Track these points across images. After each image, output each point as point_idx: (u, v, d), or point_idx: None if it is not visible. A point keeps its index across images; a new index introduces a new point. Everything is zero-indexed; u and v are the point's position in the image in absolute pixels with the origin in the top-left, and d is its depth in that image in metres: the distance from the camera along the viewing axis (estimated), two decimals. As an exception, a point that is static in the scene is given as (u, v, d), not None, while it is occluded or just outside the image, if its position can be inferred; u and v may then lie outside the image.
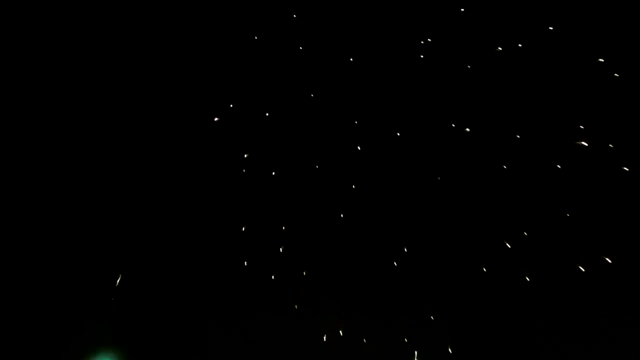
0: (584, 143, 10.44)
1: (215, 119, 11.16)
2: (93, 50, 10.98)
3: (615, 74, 10.28)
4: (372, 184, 11.15)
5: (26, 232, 10.63)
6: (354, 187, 11.14)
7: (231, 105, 11.17)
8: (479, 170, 10.84)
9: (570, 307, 10.51)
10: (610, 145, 10.30)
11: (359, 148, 11.14)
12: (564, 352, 10.38)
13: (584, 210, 10.40)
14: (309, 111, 11.24)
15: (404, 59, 11.11)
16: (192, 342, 10.76)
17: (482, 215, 10.78)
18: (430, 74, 11.05)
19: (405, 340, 10.78)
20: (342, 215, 11.12)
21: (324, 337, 10.84)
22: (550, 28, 10.58)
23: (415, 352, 10.71)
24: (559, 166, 10.56)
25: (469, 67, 10.87)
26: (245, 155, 11.19)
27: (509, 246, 10.65)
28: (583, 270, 10.32)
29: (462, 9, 10.82)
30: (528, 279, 10.56)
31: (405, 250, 10.99)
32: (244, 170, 11.18)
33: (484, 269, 10.70)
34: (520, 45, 10.68)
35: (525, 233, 10.61)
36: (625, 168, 10.23)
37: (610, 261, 10.20)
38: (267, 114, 11.23)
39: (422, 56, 11.01)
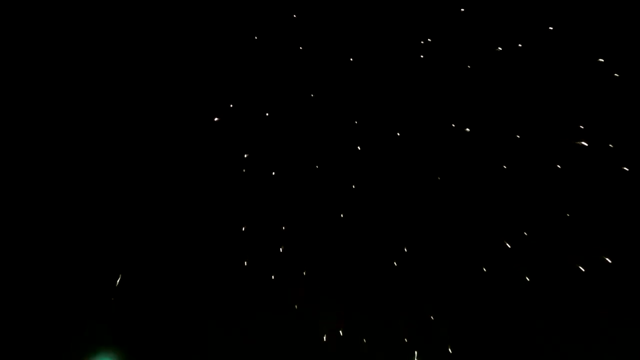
0: (584, 143, 10.44)
1: (215, 119, 11.15)
2: (93, 51, 10.97)
3: (615, 74, 10.28)
4: (372, 184, 11.14)
5: (26, 232, 10.60)
6: (354, 187, 11.13)
7: (231, 106, 11.17)
8: (479, 170, 10.84)
9: (570, 307, 10.50)
10: (610, 145, 10.31)
11: (359, 148, 11.14)
12: (564, 352, 10.36)
13: (584, 211, 10.40)
14: (309, 111, 11.24)
15: (404, 59, 11.11)
16: (192, 342, 10.76)
17: (482, 215, 10.77)
18: (430, 74, 11.05)
19: (405, 340, 10.77)
20: (342, 215, 11.11)
21: (324, 337, 10.83)
22: (550, 28, 10.59)
23: (415, 352, 10.70)
24: (558, 166, 10.56)
25: (468, 67, 10.87)
26: (245, 155, 11.18)
27: (509, 246, 10.65)
28: (583, 270, 10.31)
29: (462, 9, 10.82)
30: (528, 279, 10.55)
31: (405, 250, 10.99)
32: (244, 170, 11.18)
33: (484, 269, 10.70)
34: (520, 45, 10.68)
35: (525, 233, 10.61)
36: (625, 168, 10.23)
37: (610, 261, 10.20)
38: (267, 114, 11.23)
39: (422, 56, 11.01)
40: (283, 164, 11.20)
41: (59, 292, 10.60)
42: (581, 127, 10.45)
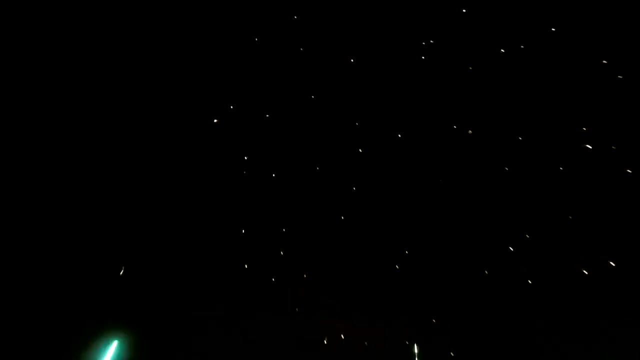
0: (587, 145, 10.43)
1: (215, 120, 11.09)
2: (93, 51, 10.89)
3: (619, 76, 10.26)
4: (373, 186, 11.10)
5: (26, 232, 10.54)
6: (354, 189, 11.09)
7: (231, 107, 11.10)
8: (481, 172, 10.81)
9: (571, 308, 10.51)
10: (613, 147, 10.29)
11: (360, 150, 11.09)
12: (564, 352, 10.37)
13: (587, 213, 10.39)
14: (309, 113, 11.18)
15: (405, 60, 11.06)
16: (193, 345, 10.71)
17: (484, 217, 10.75)
18: (431, 75, 11.00)
19: (407, 343, 10.76)
20: (342, 218, 11.07)
21: (325, 340, 10.80)
22: (553, 29, 10.55)
23: (417, 355, 10.69)
24: (561, 168, 10.54)
25: (470, 68, 10.83)
26: (246, 158, 11.12)
27: (511, 249, 10.64)
28: (586, 273, 10.32)
29: (464, 10, 10.77)
30: (530, 282, 10.55)
31: (407, 252, 10.96)
32: (244, 172, 11.12)
33: (486, 272, 10.68)
34: (522, 46, 10.64)
35: (527, 236, 10.60)
36: (628, 170, 10.22)
37: (613, 264, 10.21)
38: (267, 116, 11.17)
39: (423, 57, 10.96)
40: (283, 166, 11.14)
41: (59, 292, 10.52)
42: (584, 129, 10.43)
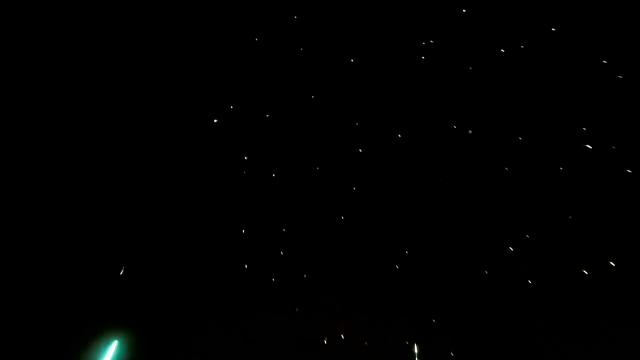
0: (587, 145, 10.42)
1: (215, 120, 11.08)
2: (92, 51, 10.89)
3: (619, 76, 10.26)
4: (373, 186, 11.10)
5: (26, 232, 10.54)
6: (354, 189, 11.08)
7: (231, 107, 11.10)
8: (481, 172, 10.81)
9: (570, 307, 10.51)
10: (613, 147, 10.29)
11: (360, 150, 11.09)
12: (564, 352, 10.37)
13: (587, 213, 10.39)
14: (309, 113, 11.18)
15: (405, 61, 11.05)
16: (192, 346, 10.71)
17: (483, 217, 10.75)
18: (431, 75, 11.00)
19: (407, 343, 10.76)
20: (342, 218, 11.06)
21: (325, 340, 10.79)
22: (553, 29, 10.55)
23: (417, 356, 10.69)
24: (561, 168, 10.54)
25: (470, 68, 10.83)
26: (246, 158, 11.12)
27: (511, 249, 10.64)
28: (586, 273, 10.32)
29: (464, 10, 10.76)
30: (530, 282, 10.54)
31: (407, 252, 10.95)
32: (244, 172, 11.12)
33: (486, 272, 10.68)
34: (522, 46, 10.64)
35: (527, 236, 10.59)
36: (628, 170, 10.22)
37: (613, 264, 10.21)
38: (267, 116, 11.17)
39: (423, 57, 10.96)
40: (283, 166, 11.14)
41: (59, 292, 10.52)
42: (584, 129, 10.42)
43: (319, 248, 11.06)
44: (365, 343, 10.80)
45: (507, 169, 10.73)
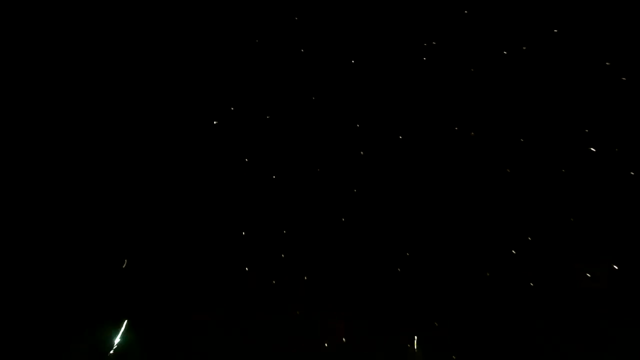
0: (591, 148, 10.42)
1: (215, 122, 11.03)
2: (92, 51, 10.85)
3: (623, 78, 10.24)
4: (374, 188, 11.06)
5: (26, 232, 10.50)
6: (355, 191, 11.05)
7: (232, 109, 11.05)
8: (483, 174, 10.78)
9: (573, 310, 10.53)
10: (616, 149, 10.28)
11: (361, 153, 11.05)
12: (564, 352, 10.38)
13: (590, 216, 10.39)
14: (310, 114, 11.13)
15: (406, 62, 11.01)
16: (193, 348, 10.69)
17: (486, 220, 10.73)
18: (432, 76, 10.96)
19: (409, 346, 10.75)
20: (343, 220, 11.02)
21: (326, 343, 10.78)
22: (555, 30, 10.51)
23: (419, 359, 10.68)
24: (563, 170, 10.53)
25: (472, 70, 10.79)
26: (246, 159, 11.08)
27: (514, 252, 10.63)
28: (589, 275, 10.33)
29: (466, 11, 10.71)
30: (532, 284, 10.55)
31: (408, 254, 10.92)
32: (244, 174, 11.07)
33: (488, 274, 10.68)
34: (524, 47, 10.60)
35: (529, 238, 10.59)
36: (631, 172, 10.21)
37: (616, 267, 10.22)
38: (267, 117, 11.12)
39: (424, 58, 10.91)
40: (284, 168, 11.09)
41: (58, 292, 10.50)
42: (586, 130, 10.41)
43: (320, 250, 11.03)
44: (367, 346, 10.79)
45: (509, 170, 10.71)
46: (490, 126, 10.81)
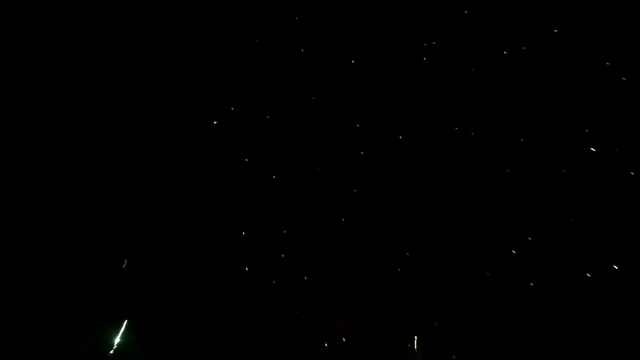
0: (591, 148, 10.41)
1: (215, 122, 11.03)
2: (93, 51, 10.84)
3: (623, 78, 10.23)
4: (374, 189, 11.06)
5: (26, 232, 10.50)
6: (355, 191, 11.04)
7: (232, 108, 11.04)
8: (483, 174, 10.78)
9: (571, 307, 10.52)
10: (617, 149, 10.27)
11: (361, 153, 11.04)
12: (564, 352, 10.38)
13: (590, 216, 10.38)
14: (310, 114, 11.13)
15: (406, 62, 11.01)
16: (193, 349, 10.69)
17: (486, 220, 10.73)
18: (433, 77, 10.95)
19: (409, 346, 10.75)
20: (343, 220, 11.02)
21: (326, 344, 10.78)
22: (555, 31, 10.50)
23: (419, 359, 10.69)
24: (563, 170, 10.52)
25: (472, 70, 10.79)
26: (246, 159, 11.07)
27: (514, 252, 10.63)
28: (589, 276, 10.32)
29: (466, 11, 10.71)
30: (532, 285, 10.54)
31: (408, 254, 10.92)
32: (244, 174, 11.07)
33: (488, 274, 10.67)
34: (524, 48, 10.59)
35: (529, 238, 10.58)
36: (631, 172, 10.20)
37: (617, 267, 10.21)
38: (267, 117, 11.11)
39: (424, 58, 10.90)
40: (284, 168, 11.09)
41: (57, 292, 10.49)
42: (586, 130, 10.40)
43: (320, 250, 11.03)
44: (367, 346, 10.79)
45: (509, 170, 10.70)
46: (490, 126, 10.80)
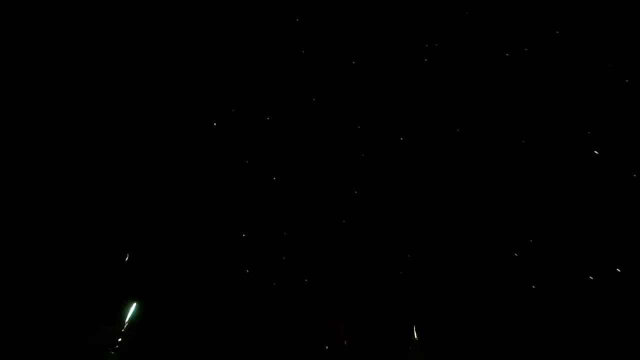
0: (594, 151, 10.39)
1: (215, 123, 11.00)
2: (93, 52, 10.80)
3: (626, 80, 10.20)
4: (375, 190, 11.04)
5: (27, 232, 10.48)
6: (356, 193, 11.02)
7: (232, 110, 11.01)
8: (484, 176, 10.76)
9: (571, 307, 10.53)
10: (619, 151, 10.25)
11: (362, 155, 11.01)
12: (564, 352, 10.39)
13: (592, 218, 10.38)
14: (311, 116, 11.10)
15: (407, 63, 10.97)
16: (193, 351, 10.69)
17: (487, 222, 10.72)
18: (433, 78, 10.92)
19: (410, 348, 10.76)
20: (344, 222, 11.00)
21: (327, 346, 10.79)
22: (557, 32, 10.46)
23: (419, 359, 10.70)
24: (565, 172, 10.51)
25: (474, 72, 10.75)
26: (247, 161, 11.05)
27: (516, 255, 10.62)
28: (592, 278, 10.33)
29: (467, 12, 10.66)
30: (534, 287, 10.54)
31: (409, 256, 10.92)
32: (245, 176, 11.05)
33: (489, 276, 10.67)
34: (526, 49, 10.55)
35: (531, 240, 10.58)
36: (634, 175, 10.19)
37: (619, 270, 10.21)
38: (268, 119, 11.08)
39: (425, 60, 10.86)
40: (284, 170, 11.07)
41: (57, 291, 10.49)
42: (588, 132, 10.38)
43: (320, 252, 11.02)
44: (368, 348, 10.80)
45: (510, 172, 10.68)
46: (492, 128, 10.78)
